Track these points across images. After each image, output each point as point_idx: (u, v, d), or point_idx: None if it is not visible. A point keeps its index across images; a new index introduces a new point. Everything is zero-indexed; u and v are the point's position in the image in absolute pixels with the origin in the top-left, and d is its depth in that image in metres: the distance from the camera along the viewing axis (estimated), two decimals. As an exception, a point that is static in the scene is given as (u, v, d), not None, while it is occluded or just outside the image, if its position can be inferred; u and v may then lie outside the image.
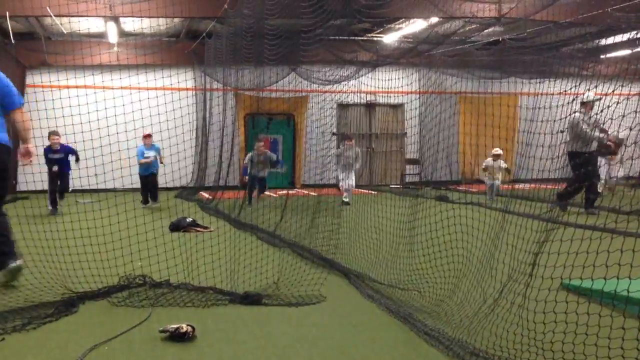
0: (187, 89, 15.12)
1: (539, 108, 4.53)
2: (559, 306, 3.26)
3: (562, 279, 3.52)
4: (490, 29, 13.38)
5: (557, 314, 3.22)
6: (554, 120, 4.12)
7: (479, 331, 3.54)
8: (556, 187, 9.03)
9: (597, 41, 14.55)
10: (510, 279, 3.63)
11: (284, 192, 13.74)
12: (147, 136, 11.79)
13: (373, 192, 15.13)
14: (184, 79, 15.27)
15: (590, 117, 9.30)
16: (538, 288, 3.36)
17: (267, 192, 12.95)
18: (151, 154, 12.00)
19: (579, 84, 4.37)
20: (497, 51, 15.00)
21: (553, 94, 4.80)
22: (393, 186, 16.63)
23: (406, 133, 17.87)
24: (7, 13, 10.17)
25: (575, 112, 9.12)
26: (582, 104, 9.28)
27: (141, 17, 11.52)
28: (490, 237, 4.37)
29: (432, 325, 3.83)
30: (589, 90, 9.35)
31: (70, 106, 7.41)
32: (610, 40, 14.06)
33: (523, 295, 3.41)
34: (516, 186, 12.43)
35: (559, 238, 3.42)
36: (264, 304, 4.60)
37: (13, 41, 10.76)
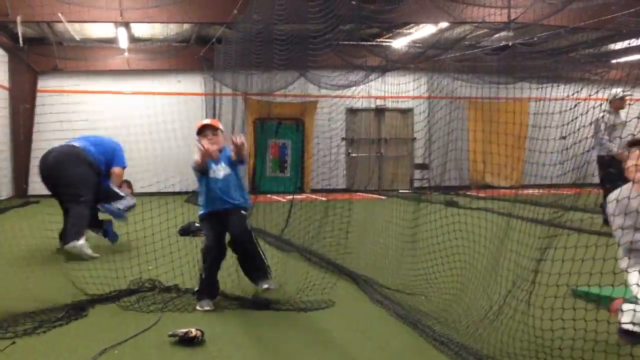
0: (197, 94, 15.22)
1: (549, 114, 4.52)
2: (567, 312, 3.25)
3: (568, 286, 3.50)
4: (500, 34, 13.36)
5: (565, 321, 3.21)
6: (563, 126, 4.11)
7: (485, 337, 3.54)
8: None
9: (606, 46, 14.47)
10: (514, 286, 3.62)
11: (291, 197, 13.74)
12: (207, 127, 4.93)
13: (382, 196, 15.13)
14: (193, 84, 15.38)
15: (618, 117, 8.71)
16: (544, 295, 3.35)
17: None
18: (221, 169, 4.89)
19: (583, 88, 4.36)
20: (507, 56, 14.96)
21: (562, 99, 4.78)
22: (402, 191, 16.61)
23: (415, 138, 17.86)
24: (19, 18, 10.24)
25: (602, 113, 8.60)
26: (610, 102, 8.76)
27: (151, 22, 11.60)
28: (495, 244, 4.37)
29: (440, 331, 3.82)
30: (609, 91, 9.03)
31: (78, 111, 7.51)
32: (620, 45, 13.99)
33: (527, 302, 3.40)
34: (524, 192, 12.38)
35: (564, 245, 3.41)
36: (272, 309, 4.61)
37: (22, 44, 10.80)
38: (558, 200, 7.73)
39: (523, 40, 14.11)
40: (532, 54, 14.04)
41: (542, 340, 3.26)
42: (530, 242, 3.83)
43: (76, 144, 7.05)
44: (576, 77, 11.09)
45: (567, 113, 3.60)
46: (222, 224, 4.82)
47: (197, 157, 4.73)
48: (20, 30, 10.26)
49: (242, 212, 4.91)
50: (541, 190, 10.31)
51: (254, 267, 4.96)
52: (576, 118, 3.45)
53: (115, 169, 7.17)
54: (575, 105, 3.62)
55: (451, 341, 3.60)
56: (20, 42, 10.65)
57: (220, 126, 5.06)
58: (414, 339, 3.86)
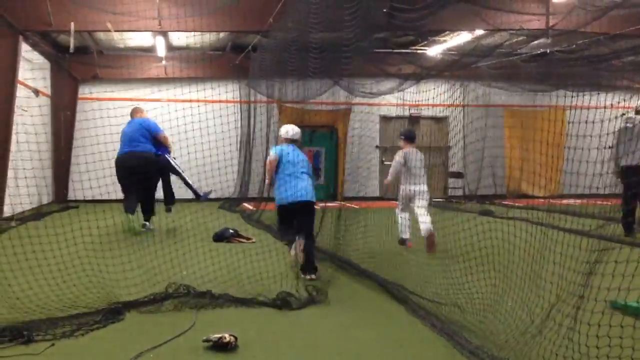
0: (232, 102, 15.36)
1: (590, 122, 4.40)
2: (612, 330, 3.14)
3: (616, 301, 3.37)
4: (538, 41, 13.12)
5: (611, 338, 3.10)
6: (603, 135, 3.99)
7: (526, 352, 3.44)
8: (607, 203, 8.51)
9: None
10: (560, 300, 3.51)
11: (323, 204, 13.69)
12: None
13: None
14: (229, 91, 15.53)
15: None
16: (591, 310, 3.24)
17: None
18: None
19: (630, 97, 4.22)
20: (545, 63, 14.68)
21: (598, 107, 4.65)
22: (436, 199, 16.44)
23: (450, 146, 17.68)
24: (72, 26, 10.48)
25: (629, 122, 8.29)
26: (638, 111, 8.42)
27: (189, 31, 11.77)
28: (533, 256, 4.26)
29: (477, 343, 3.75)
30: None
31: (116, 116, 7.65)
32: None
33: (573, 317, 3.29)
34: (562, 202, 12.08)
35: (613, 259, 3.29)
36: (305, 315, 4.60)
37: (72, 50, 11.11)
38: (603, 212, 7.50)
39: (561, 48, 13.83)
40: (571, 62, 13.73)
41: (587, 358, 3.14)
42: (576, 254, 3.72)
43: (146, 152, 8.82)
44: (621, 85, 10.79)
45: (613, 122, 3.46)
46: None
47: None
48: (72, 38, 10.62)
49: None
50: (580, 201, 10.06)
51: None
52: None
53: (159, 139, 9.08)
54: (623, 114, 3.50)
55: (487, 354, 3.52)
56: (71, 48, 11.01)
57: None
58: (448, 350, 3.80)
